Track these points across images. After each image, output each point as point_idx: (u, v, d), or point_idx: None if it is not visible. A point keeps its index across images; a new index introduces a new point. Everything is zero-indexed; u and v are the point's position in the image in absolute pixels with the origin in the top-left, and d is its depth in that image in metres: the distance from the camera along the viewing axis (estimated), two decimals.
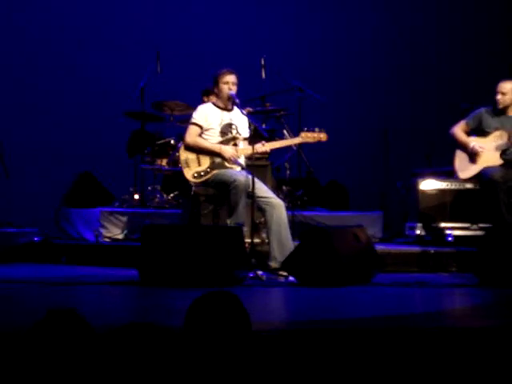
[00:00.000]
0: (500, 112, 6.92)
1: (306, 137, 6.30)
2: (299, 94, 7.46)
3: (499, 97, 6.86)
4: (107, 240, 7.34)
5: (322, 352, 3.30)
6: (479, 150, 6.85)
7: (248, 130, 6.45)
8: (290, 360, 3.22)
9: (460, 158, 7.00)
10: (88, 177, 8.31)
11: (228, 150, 6.22)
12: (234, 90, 6.28)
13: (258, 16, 9.79)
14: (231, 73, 6.29)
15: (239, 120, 6.40)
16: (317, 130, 6.30)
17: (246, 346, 2.38)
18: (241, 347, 2.37)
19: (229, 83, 6.28)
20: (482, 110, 7.00)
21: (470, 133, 7.02)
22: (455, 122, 7.09)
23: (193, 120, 6.35)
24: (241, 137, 6.36)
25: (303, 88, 7.49)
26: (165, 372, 2.28)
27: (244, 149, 6.31)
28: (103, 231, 7.37)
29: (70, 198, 8.16)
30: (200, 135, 6.32)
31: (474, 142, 6.92)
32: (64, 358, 2.32)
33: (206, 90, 7.47)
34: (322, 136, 6.31)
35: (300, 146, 7.59)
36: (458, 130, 7.00)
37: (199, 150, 6.27)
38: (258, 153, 6.27)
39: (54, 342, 2.33)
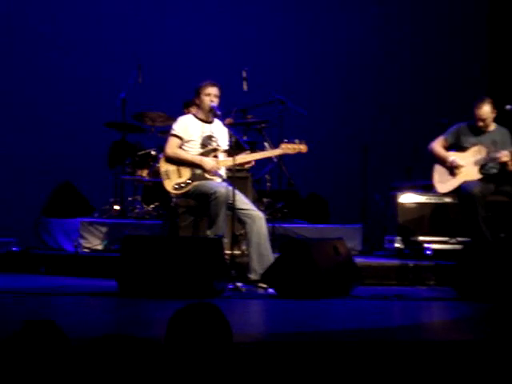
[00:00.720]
0: (478, 128, 6.97)
1: (286, 148, 6.33)
2: (281, 106, 7.48)
3: (481, 124, 6.90)
4: (86, 250, 7.31)
5: (301, 364, 3.31)
6: (459, 164, 6.90)
7: (228, 143, 6.47)
8: (268, 372, 3.22)
9: (439, 173, 7.05)
10: (68, 187, 8.27)
11: (209, 162, 6.23)
12: (215, 102, 6.29)
13: (240, 28, 9.82)
14: (213, 85, 6.31)
15: (220, 132, 6.42)
16: (297, 141, 6.32)
17: (227, 358, 2.38)
18: (222, 359, 2.37)
19: (211, 95, 6.29)
20: (460, 125, 7.06)
21: (448, 148, 7.07)
22: (434, 136, 7.15)
23: (173, 131, 6.36)
24: (221, 148, 6.37)
25: (285, 101, 7.52)
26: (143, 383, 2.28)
27: (224, 160, 6.33)
28: (83, 242, 7.34)
29: (50, 208, 8.12)
30: (180, 147, 6.32)
31: (453, 156, 6.98)
32: (40, 370, 2.31)
33: (188, 101, 7.48)
34: (302, 147, 6.33)
35: (281, 158, 7.61)
36: (437, 146, 7.06)
37: (179, 162, 6.27)
38: (238, 164, 6.29)
39: (30, 353, 2.32)
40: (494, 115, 6.92)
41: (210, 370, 2.36)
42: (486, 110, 6.88)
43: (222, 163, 6.32)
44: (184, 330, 2.40)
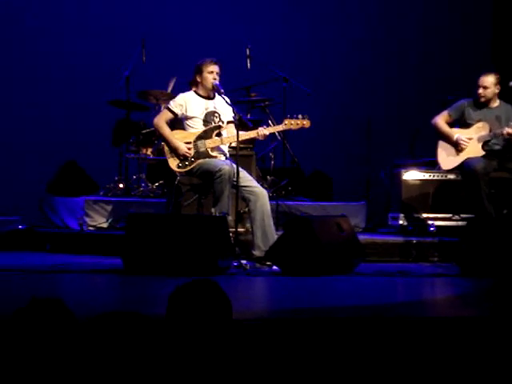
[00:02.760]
0: (482, 104, 6.94)
1: (290, 124, 6.32)
2: (284, 84, 7.47)
3: (481, 91, 6.89)
4: (91, 228, 7.34)
5: (304, 341, 3.34)
6: (463, 141, 6.88)
7: (232, 115, 6.45)
8: (271, 348, 3.25)
9: (443, 149, 7.02)
10: (72, 165, 8.30)
11: (182, 148, 6.23)
12: (217, 79, 6.30)
13: (244, 5, 9.79)
14: (216, 63, 6.32)
15: (222, 107, 6.41)
16: (300, 116, 6.32)
17: (227, 334, 2.41)
18: (221, 334, 2.40)
19: (213, 73, 6.30)
20: (465, 101, 7.03)
21: (451, 123, 7.05)
22: (437, 113, 7.11)
23: (168, 105, 6.42)
24: (224, 125, 6.37)
25: (288, 78, 7.50)
26: (147, 359, 2.30)
27: (228, 138, 6.33)
28: (87, 220, 7.38)
29: (55, 187, 8.15)
30: (182, 123, 6.34)
31: (457, 133, 6.96)
32: (45, 346, 2.33)
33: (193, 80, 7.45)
34: (306, 122, 6.33)
35: (285, 136, 7.61)
36: (441, 121, 7.02)
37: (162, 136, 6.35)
38: (242, 141, 6.29)
39: (35, 330, 2.35)
40: (496, 90, 6.88)
41: (210, 346, 2.38)
42: (489, 79, 6.85)
43: (225, 140, 6.32)
44: (184, 306, 2.42)
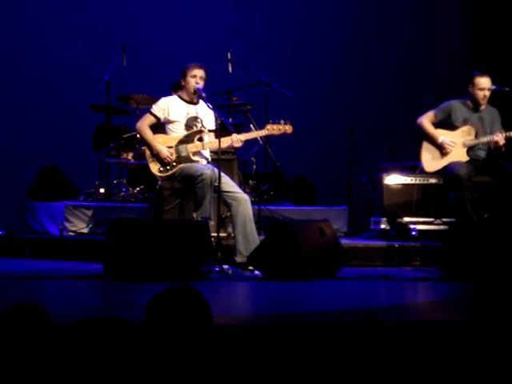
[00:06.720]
0: (470, 106, 6.88)
1: (272, 129, 6.31)
2: (266, 88, 7.46)
3: (487, 93, 6.76)
4: (72, 234, 7.29)
5: (286, 346, 3.32)
6: (448, 145, 6.83)
7: (214, 123, 6.44)
8: (254, 354, 3.23)
9: (427, 151, 6.93)
10: (53, 170, 8.24)
11: (164, 152, 6.21)
12: (201, 84, 6.29)
13: (226, 9, 9.78)
14: (200, 67, 6.31)
15: (205, 113, 6.40)
16: (282, 122, 6.31)
17: (207, 339, 2.39)
18: (201, 340, 2.37)
19: (196, 77, 6.29)
20: (453, 102, 6.91)
21: (436, 124, 6.99)
22: (419, 116, 7.04)
23: (151, 109, 6.40)
24: (206, 130, 6.35)
25: (270, 83, 7.50)
26: (128, 366, 2.28)
27: (209, 142, 6.31)
28: (68, 225, 7.33)
29: (35, 192, 8.09)
30: (164, 127, 6.33)
31: (443, 136, 6.89)
32: (25, 352, 2.31)
33: (176, 83, 7.43)
34: (288, 128, 6.32)
35: (267, 140, 7.60)
36: (426, 121, 6.90)
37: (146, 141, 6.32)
38: (224, 148, 6.27)
39: (15, 336, 2.32)
40: (490, 92, 6.85)
41: (189, 351, 2.36)
42: (488, 81, 6.80)
43: (207, 145, 6.30)
44: (161, 313, 2.40)
